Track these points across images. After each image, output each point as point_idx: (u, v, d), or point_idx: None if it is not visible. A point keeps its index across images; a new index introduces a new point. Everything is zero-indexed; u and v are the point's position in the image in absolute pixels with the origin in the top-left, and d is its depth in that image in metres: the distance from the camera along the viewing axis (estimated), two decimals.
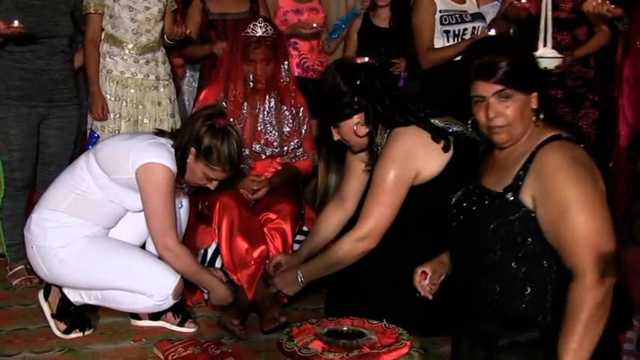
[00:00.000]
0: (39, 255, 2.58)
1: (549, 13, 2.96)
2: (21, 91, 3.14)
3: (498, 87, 1.87)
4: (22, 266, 3.21)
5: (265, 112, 3.17)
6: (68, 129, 3.32)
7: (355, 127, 2.62)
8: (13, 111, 3.14)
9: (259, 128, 3.17)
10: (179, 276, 2.59)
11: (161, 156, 2.50)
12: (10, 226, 3.25)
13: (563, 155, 1.81)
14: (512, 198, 1.86)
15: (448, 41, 3.56)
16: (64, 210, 2.57)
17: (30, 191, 3.33)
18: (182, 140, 2.55)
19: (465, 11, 3.58)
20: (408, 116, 2.57)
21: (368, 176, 2.71)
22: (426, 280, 2.17)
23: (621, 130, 3.56)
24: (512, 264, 1.86)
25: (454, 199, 2.05)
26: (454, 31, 3.54)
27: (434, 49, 3.53)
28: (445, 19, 3.53)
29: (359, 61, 3.51)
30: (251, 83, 3.09)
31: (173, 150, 2.55)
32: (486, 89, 1.89)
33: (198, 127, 2.53)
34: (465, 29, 3.56)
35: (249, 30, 3.04)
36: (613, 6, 3.20)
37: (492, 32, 3.35)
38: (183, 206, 2.75)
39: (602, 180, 1.84)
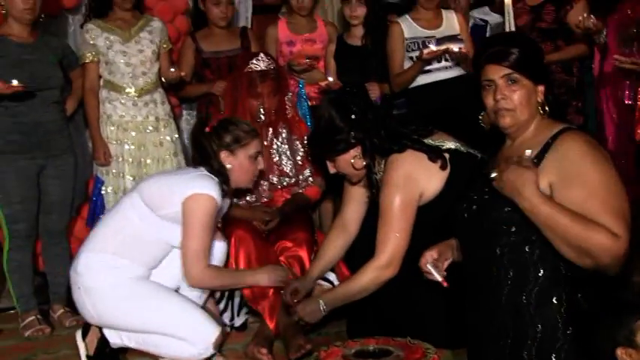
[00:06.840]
0: (86, 296, 2.60)
1: (512, 22, 3.09)
2: (18, 145, 3.16)
3: (507, 70, 1.97)
4: (33, 317, 3.21)
5: (279, 144, 3.23)
6: (66, 177, 3.33)
7: (352, 161, 2.66)
8: (12, 165, 3.15)
9: (274, 159, 3.23)
10: (220, 327, 2.62)
11: (207, 186, 2.60)
12: (18, 277, 3.24)
13: (585, 141, 1.92)
14: None
15: None
16: (112, 251, 2.60)
17: (34, 241, 3.33)
18: (210, 158, 2.71)
19: (432, 36, 3.64)
20: (402, 141, 2.60)
21: (368, 202, 2.77)
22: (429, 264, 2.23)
23: (608, 135, 3.55)
24: (526, 247, 1.92)
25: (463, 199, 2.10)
26: (416, 58, 3.61)
27: (397, 73, 3.67)
28: (409, 47, 3.67)
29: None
30: (262, 116, 3.15)
31: (215, 178, 2.66)
32: (496, 72, 1.99)
33: (208, 137, 2.72)
34: None
35: (252, 65, 3.11)
36: (596, 20, 3.29)
37: (455, 48, 3.46)
38: (217, 246, 2.80)
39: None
